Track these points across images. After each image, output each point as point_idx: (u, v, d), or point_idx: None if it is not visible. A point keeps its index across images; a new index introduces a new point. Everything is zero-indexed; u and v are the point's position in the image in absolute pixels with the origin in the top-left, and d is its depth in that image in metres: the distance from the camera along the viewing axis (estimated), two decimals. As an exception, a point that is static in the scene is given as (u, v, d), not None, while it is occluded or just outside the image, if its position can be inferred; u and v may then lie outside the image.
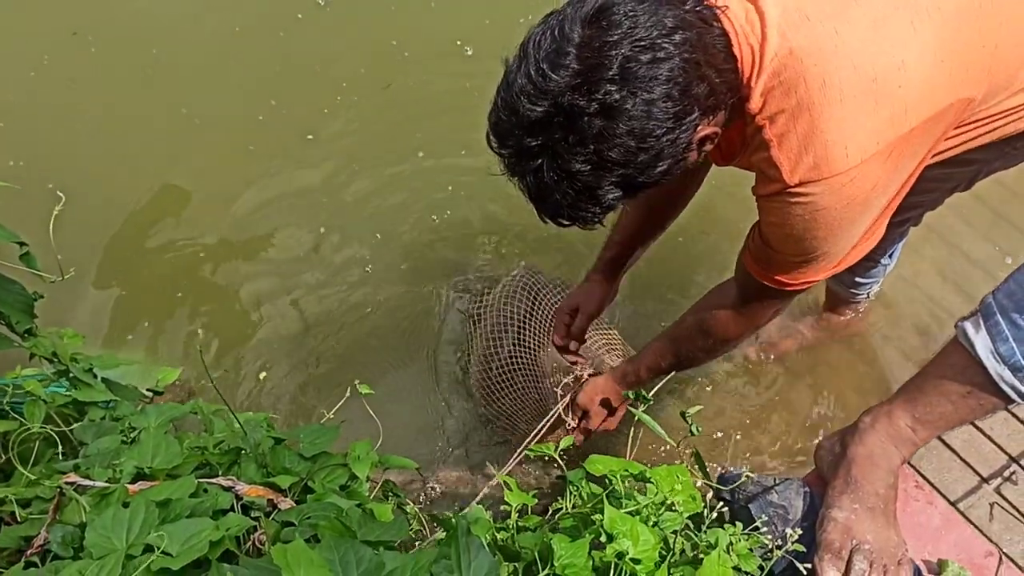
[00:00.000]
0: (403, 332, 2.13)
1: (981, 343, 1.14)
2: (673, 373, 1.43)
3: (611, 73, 0.90)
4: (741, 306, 1.29)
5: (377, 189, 2.43)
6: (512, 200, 2.00)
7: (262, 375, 1.99)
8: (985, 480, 1.87)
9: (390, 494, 1.31)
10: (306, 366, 2.06)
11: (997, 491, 1.86)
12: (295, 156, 2.49)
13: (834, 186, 0.99)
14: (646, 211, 1.52)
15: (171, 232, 2.33)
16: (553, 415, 1.44)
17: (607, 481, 1.14)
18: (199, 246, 2.31)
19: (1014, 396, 1.14)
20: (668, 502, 1.09)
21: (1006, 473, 1.88)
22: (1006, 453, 1.89)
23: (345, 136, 2.54)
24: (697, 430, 1.31)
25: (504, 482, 1.23)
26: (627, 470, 1.16)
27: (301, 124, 2.55)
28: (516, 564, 1.05)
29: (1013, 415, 1.93)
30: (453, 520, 0.96)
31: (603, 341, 1.78)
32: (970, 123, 1.12)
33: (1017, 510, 1.81)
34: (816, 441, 1.60)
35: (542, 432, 1.40)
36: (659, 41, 0.90)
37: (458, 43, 2.65)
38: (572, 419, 1.47)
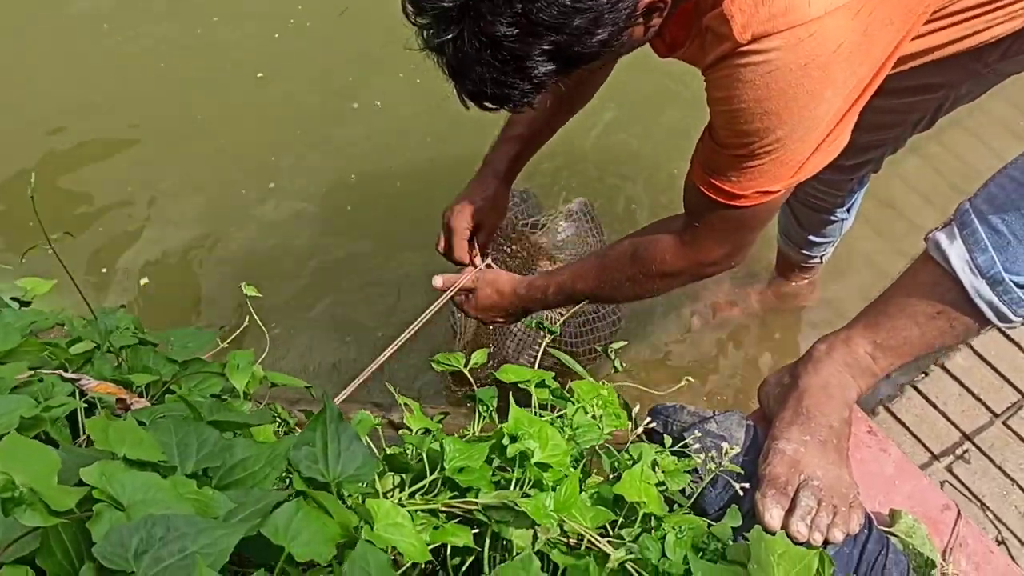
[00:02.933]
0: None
1: (956, 254, 0.99)
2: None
3: None
4: (685, 232, 1.12)
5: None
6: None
7: (143, 281, 1.87)
8: (936, 457, 1.76)
9: (277, 418, 1.15)
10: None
11: (948, 469, 1.74)
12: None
13: (791, 41, 0.86)
14: (555, 96, 1.34)
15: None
16: (442, 301, 1.29)
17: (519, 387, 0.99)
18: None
19: (990, 315, 1.00)
20: (588, 414, 0.94)
21: (958, 451, 1.77)
22: (959, 430, 1.78)
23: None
24: (620, 366, 1.17)
25: (404, 404, 1.06)
26: (543, 381, 1.01)
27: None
28: (403, 475, 0.89)
29: (968, 391, 1.83)
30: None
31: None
32: (946, 15, 1.01)
33: (968, 489, 1.70)
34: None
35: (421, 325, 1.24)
36: None
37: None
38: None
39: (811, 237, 1.77)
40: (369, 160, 2.32)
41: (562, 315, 1.57)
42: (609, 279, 1.21)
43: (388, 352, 1.05)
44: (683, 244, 1.14)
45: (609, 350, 1.17)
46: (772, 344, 1.97)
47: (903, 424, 1.75)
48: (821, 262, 1.91)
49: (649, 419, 1.06)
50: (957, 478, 1.68)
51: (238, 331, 1.26)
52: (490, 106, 0.91)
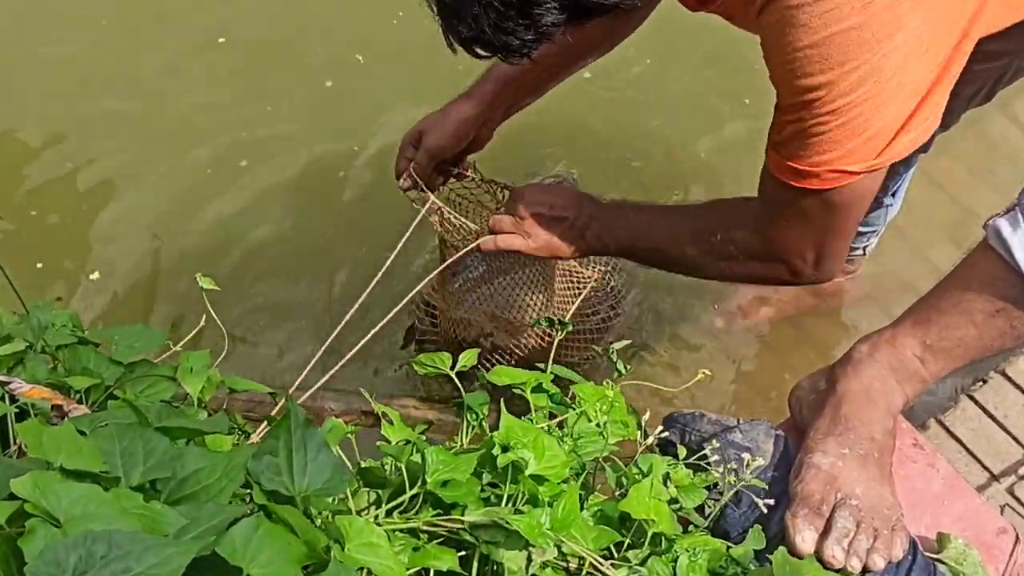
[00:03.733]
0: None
1: (1019, 244, 1.00)
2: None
3: None
4: (760, 223, 1.16)
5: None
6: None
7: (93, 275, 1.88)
8: (996, 477, 1.78)
9: (235, 429, 1.16)
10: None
11: (1009, 491, 1.76)
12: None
13: None
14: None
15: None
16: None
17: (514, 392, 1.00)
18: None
19: None
20: (592, 421, 0.95)
21: (1021, 470, 1.79)
22: (1022, 446, 1.81)
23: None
24: (624, 368, 1.18)
25: (382, 412, 1.08)
26: (540, 384, 1.02)
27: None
28: (379, 491, 0.90)
29: (1032, 403, 1.85)
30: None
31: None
32: None
33: (1033, 515, 1.71)
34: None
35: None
36: None
37: None
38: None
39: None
40: (342, 140, 2.35)
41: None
42: (683, 232, 1.26)
43: (364, 340, 1.06)
44: (758, 231, 1.18)
45: (611, 351, 1.19)
46: (807, 348, 1.99)
47: (957, 439, 1.77)
48: (864, 254, 1.92)
49: (663, 428, 1.07)
50: (1019, 500, 1.69)
51: (194, 331, 1.28)
52: (482, 54, 0.92)
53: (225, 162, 2.31)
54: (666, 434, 1.05)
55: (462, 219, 1.42)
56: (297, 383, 1.11)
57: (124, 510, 0.68)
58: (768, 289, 2.05)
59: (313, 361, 1.09)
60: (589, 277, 1.73)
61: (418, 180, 1.41)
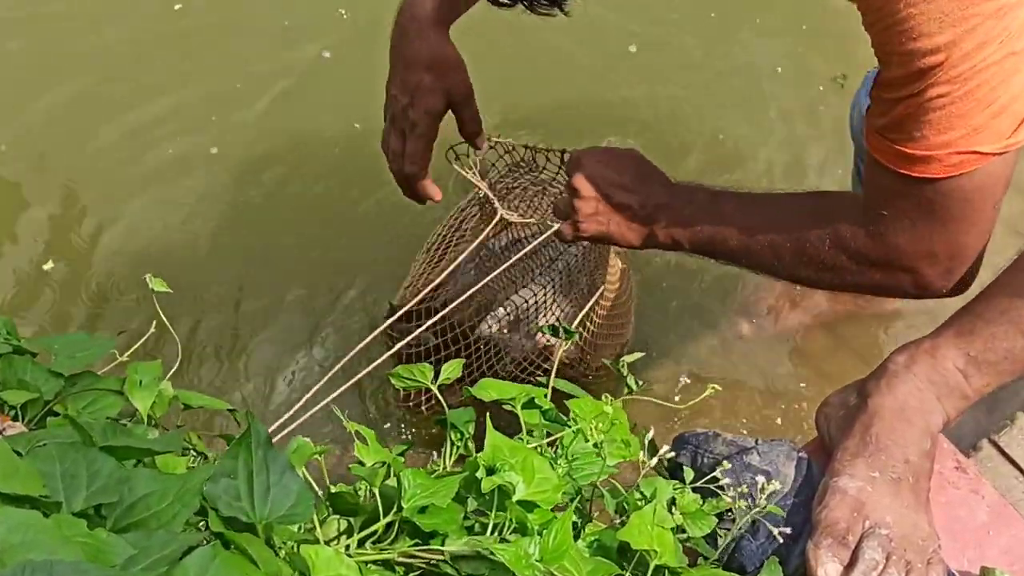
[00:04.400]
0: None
1: None
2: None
3: None
4: (869, 220, 1.13)
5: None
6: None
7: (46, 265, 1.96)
8: (1059, 508, 1.80)
9: (190, 450, 1.19)
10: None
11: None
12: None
13: None
14: None
15: None
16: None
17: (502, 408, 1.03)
18: None
19: None
20: (589, 441, 0.98)
21: (1088, 499, 1.81)
22: (1089, 469, 1.83)
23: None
24: (636, 384, 1.21)
25: (356, 431, 1.11)
26: (531, 398, 1.05)
27: None
28: (350, 519, 0.93)
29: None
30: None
31: None
32: None
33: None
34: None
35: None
36: None
37: None
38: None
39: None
40: (322, 119, 2.38)
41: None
42: (780, 231, 1.21)
43: (347, 358, 1.09)
44: (867, 228, 1.15)
45: (620, 363, 1.21)
46: (845, 359, 2.01)
47: (1013, 462, 1.78)
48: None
49: (671, 450, 1.10)
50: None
51: (143, 339, 1.30)
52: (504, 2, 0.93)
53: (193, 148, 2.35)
54: (673, 455, 1.07)
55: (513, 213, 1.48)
56: (282, 420, 1.14)
57: (66, 538, 0.71)
58: (800, 293, 2.07)
59: (311, 393, 1.11)
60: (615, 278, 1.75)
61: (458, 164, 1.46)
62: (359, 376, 1.21)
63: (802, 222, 1.21)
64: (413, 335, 1.33)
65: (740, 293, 2.09)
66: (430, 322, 1.40)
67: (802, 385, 1.99)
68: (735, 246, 1.26)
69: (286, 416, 1.19)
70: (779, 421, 1.92)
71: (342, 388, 1.12)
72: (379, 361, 1.25)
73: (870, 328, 2.06)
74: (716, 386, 1.08)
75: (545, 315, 1.66)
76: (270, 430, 1.19)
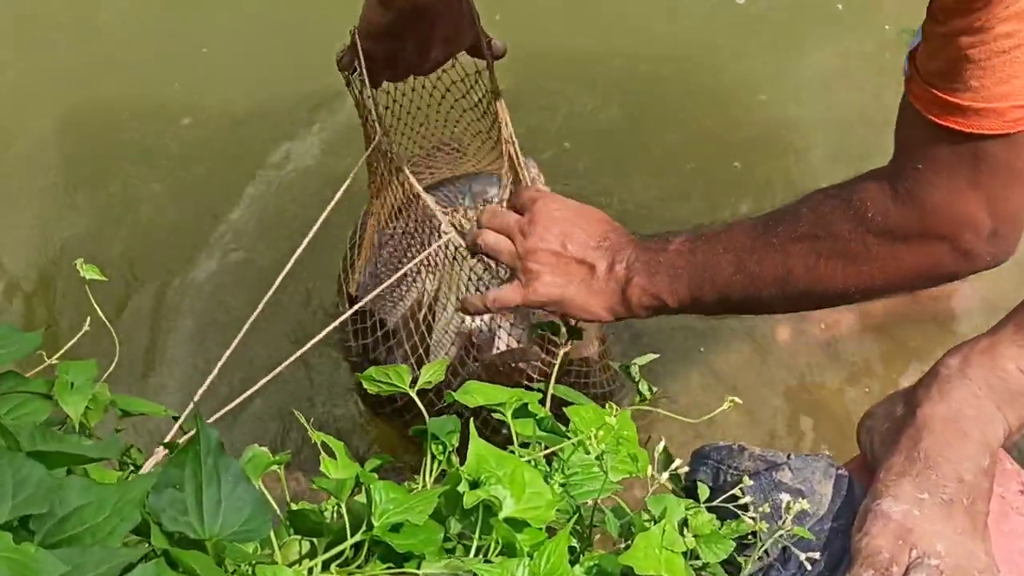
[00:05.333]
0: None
1: None
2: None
3: None
4: (899, 179, 1.13)
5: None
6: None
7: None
8: None
9: (127, 461, 1.24)
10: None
11: None
12: None
13: None
14: None
15: None
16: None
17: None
18: None
19: None
20: (590, 454, 1.03)
21: None
22: None
23: None
24: (650, 390, 1.25)
25: (322, 443, 1.15)
26: (524, 404, 1.09)
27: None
28: (314, 540, 0.98)
29: None
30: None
31: None
32: None
33: None
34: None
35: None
36: None
37: None
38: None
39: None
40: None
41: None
42: (785, 244, 1.20)
43: (297, 354, 1.14)
44: (898, 196, 1.15)
45: (631, 367, 1.26)
46: (899, 365, 2.06)
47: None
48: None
49: (687, 465, 1.14)
50: None
51: (77, 336, 1.35)
52: None
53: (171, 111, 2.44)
54: (689, 471, 1.12)
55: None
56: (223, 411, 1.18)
57: (-11, 553, 0.76)
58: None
59: (257, 386, 1.15)
60: None
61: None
62: (304, 349, 1.24)
63: (811, 212, 1.21)
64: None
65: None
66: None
67: (847, 396, 2.03)
68: (732, 284, 1.24)
69: (224, 410, 1.23)
70: (818, 436, 1.96)
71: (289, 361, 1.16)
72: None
73: (928, 330, 2.09)
74: (735, 399, 1.10)
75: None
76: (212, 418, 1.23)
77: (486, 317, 1.60)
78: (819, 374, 2.06)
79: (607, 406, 1.07)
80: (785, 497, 1.05)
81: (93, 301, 1.25)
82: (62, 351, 1.31)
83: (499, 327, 1.61)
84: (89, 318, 1.30)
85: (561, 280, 1.30)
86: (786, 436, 1.96)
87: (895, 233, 1.15)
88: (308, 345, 1.20)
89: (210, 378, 1.09)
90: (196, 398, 1.03)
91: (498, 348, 1.60)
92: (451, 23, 1.50)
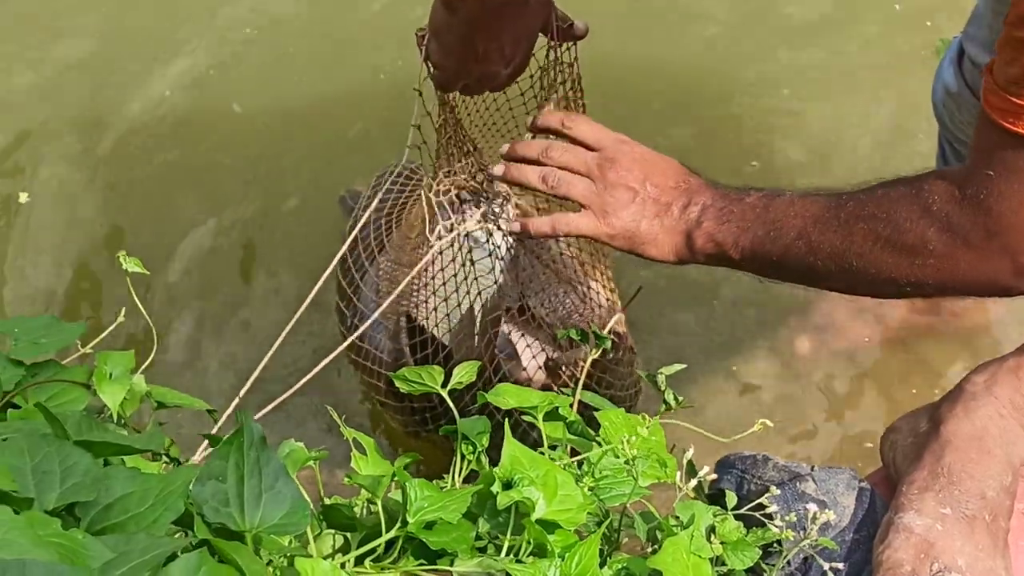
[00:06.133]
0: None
1: None
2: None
3: None
4: (968, 182, 1.12)
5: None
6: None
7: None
8: None
9: (163, 456, 1.25)
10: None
11: None
12: None
13: None
14: None
15: None
16: None
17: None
18: None
19: None
20: (619, 458, 1.04)
21: None
22: None
23: None
24: (676, 399, 1.27)
25: (354, 439, 1.17)
26: (556, 407, 1.11)
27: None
28: (347, 535, 1.00)
29: None
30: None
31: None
32: None
33: None
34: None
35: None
36: None
37: None
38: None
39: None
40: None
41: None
42: (847, 222, 1.21)
43: (335, 353, 1.15)
44: (965, 199, 1.14)
45: (658, 377, 1.28)
46: (918, 381, 2.07)
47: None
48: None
49: (714, 473, 1.16)
50: None
51: (113, 326, 1.36)
52: None
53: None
54: (715, 478, 1.14)
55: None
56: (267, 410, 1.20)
57: (39, 538, 0.77)
58: (869, 302, 2.12)
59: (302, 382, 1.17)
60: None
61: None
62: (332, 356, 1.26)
63: (880, 196, 1.21)
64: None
65: (799, 302, 2.13)
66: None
67: (868, 409, 2.04)
68: (793, 241, 1.25)
69: (267, 409, 1.25)
70: (839, 449, 1.97)
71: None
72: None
73: (951, 346, 2.11)
74: (767, 421, 1.12)
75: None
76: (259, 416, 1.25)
77: (516, 336, 1.61)
78: (839, 386, 2.07)
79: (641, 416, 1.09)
80: (812, 507, 1.06)
81: (133, 294, 1.27)
82: (97, 340, 1.34)
83: (522, 340, 1.63)
84: (124, 308, 1.32)
85: (636, 215, 1.33)
86: (804, 445, 1.97)
87: (956, 234, 1.14)
88: (343, 345, 1.21)
89: (255, 374, 1.10)
90: (242, 393, 1.04)
91: (522, 364, 1.63)
92: (522, 23, 1.45)
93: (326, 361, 1.27)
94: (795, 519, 1.05)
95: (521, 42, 1.45)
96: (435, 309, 1.64)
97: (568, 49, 1.50)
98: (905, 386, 2.07)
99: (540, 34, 1.48)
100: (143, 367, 1.24)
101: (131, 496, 0.87)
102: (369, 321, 1.43)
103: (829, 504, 1.17)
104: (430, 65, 1.45)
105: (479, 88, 1.51)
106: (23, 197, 2.33)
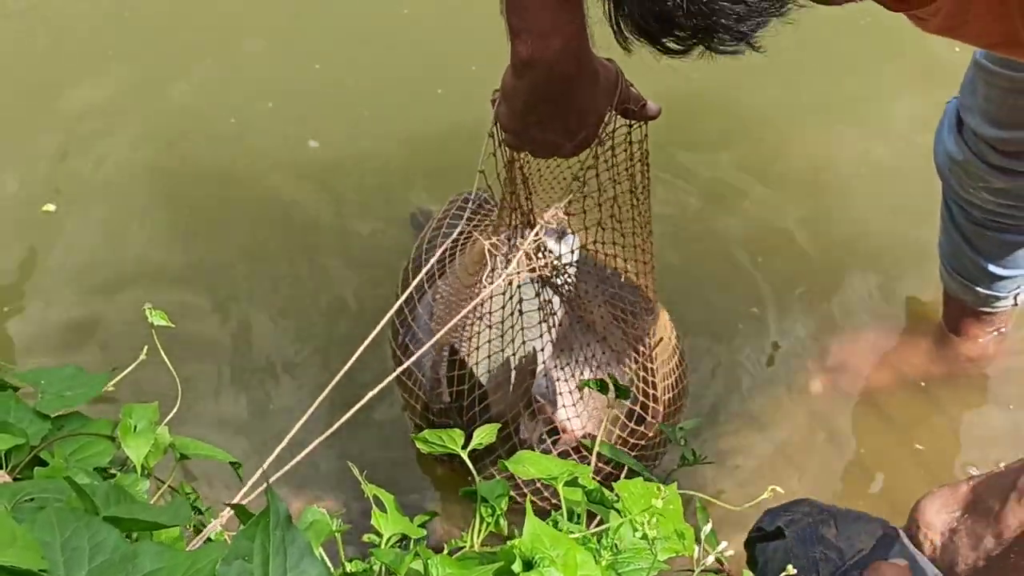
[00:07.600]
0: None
1: None
2: None
3: None
4: None
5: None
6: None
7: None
8: None
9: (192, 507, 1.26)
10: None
11: None
12: None
13: None
14: None
15: None
16: None
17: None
18: None
19: None
20: (638, 533, 1.05)
21: None
22: None
23: None
24: (694, 455, 1.28)
25: (374, 496, 1.19)
26: (575, 476, 1.12)
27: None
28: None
29: None
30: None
31: None
32: None
33: None
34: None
35: None
36: None
37: None
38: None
39: (993, 268, 1.85)
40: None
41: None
42: None
43: (365, 400, 1.16)
44: None
45: (677, 431, 1.29)
46: (938, 427, 2.06)
47: None
48: (1015, 304, 1.97)
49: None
50: None
51: (128, 369, 1.37)
52: (678, 40, 0.88)
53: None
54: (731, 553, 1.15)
55: None
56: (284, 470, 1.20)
57: (68, 618, 0.79)
58: (886, 344, 2.12)
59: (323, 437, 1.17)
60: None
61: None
62: (357, 407, 1.26)
63: None
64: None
65: (819, 346, 2.14)
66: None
67: (882, 455, 2.03)
68: None
69: (293, 462, 1.25)
70: (853, 493, 1.95)
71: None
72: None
73: (970, 394, 2.10)
74: (777, 487, 1.13)
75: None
76: (272, 479, 1.25)
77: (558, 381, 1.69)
78: (851, 429, 2.07)
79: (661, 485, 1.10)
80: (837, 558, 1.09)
81: (159, 345, 1.28)
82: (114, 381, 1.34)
83: (559, 381, 1.67)
84: (146, 348, 1.32)
85: None
86: (824, 493, 1.97)
87: None
88: (376, 389, 1.21)
89: (287, 438, 1.10)
90: (265, 465, 1.05)
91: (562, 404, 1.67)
92: (590, 98, 1.45)
93: (382, 385, 1.26)
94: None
95: (587, 117, 1.46)
96: (477, 348, 1.68)
97: (639, 127, 1.54)
98: (921, 430, 2.04)
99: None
100: (167, 418, 1.25)
101: (159, 573, 0.88)
102: (423, 349, 1.44)
103: (844, 551, 1.19)
104: (498, 127, 1.47)
105: (544, 154, 1.52)
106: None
